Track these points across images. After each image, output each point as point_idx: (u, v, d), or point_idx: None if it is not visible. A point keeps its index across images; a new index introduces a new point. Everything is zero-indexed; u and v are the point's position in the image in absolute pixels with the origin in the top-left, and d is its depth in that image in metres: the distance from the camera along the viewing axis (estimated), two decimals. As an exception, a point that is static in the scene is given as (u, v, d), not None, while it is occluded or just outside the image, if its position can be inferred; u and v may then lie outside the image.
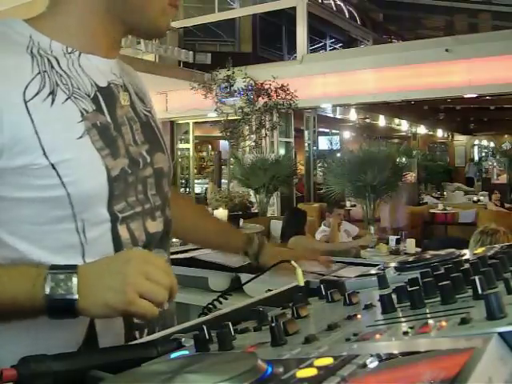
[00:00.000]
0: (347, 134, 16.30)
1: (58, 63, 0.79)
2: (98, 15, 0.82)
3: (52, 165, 0.73)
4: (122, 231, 0.81)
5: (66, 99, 0.77)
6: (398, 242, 4.89)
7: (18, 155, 0.73)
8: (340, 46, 14.66)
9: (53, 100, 0.75)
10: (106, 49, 0.85)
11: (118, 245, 0.80)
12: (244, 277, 1.57)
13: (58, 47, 0.80)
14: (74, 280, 0.67)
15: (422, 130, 17.10)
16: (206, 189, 11.54)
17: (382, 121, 14.57)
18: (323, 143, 14.90)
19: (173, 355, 0.61)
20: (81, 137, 0.76)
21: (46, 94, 0.75)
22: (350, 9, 14.22)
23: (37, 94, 0.74)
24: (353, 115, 13.10)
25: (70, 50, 0.81)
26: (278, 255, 1.06)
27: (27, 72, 0.75)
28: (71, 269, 0.68)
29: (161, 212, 0.89)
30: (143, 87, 1.00)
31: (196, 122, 11.71)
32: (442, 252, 0.90)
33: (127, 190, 0.81)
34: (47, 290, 0.66)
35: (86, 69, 0.82)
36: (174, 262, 1.91)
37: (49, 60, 0.78)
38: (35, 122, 0.73)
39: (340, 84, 9.34)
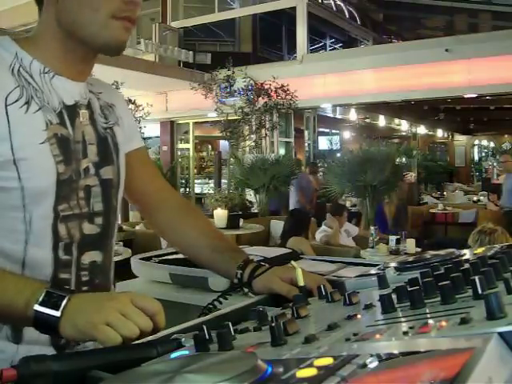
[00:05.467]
0: (347, 134, 16.30)
1: (35, 80, 0.92)
2: (55, 33, 0.92)
3: (15, 160, 0.86)
4: (61, 228, 0.92)
5: (37, 110, 0.90)
6: (398, 241, 4.89)
7: None
8: (340, 46, 14.66)
9: (27, 109, 0.89)
10: (75, 73, 0.96)
11: (56, 238, 0.91)
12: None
13: (37, 67, 0.93)
14: (64, 301, 0.74)
15: (422, 130, 17.09)
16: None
17: (382, 121, 14.57)
18: (323, 143, 14.92)
19: (173, 355, 0.61)
20: (42, 142, 0.89)
21: (22, 102, 0.88)
22: (350, 9, 14.22)
23: (16, 101, 0.88)
24: (353, 115, 13.10)
25: (46, 70, 0.93)
26: (269, 285, 1.02)
27: (10, 83, 0.88)
28: (67, 292, 0.76)
29: (103, 217, 0.99)
30: (114, 100, 1.09)
31: (196, 122, 11.71)
32: (442, 252, 0.90)
33: (70, 194, 0.93)
34: (38, 302, 0.74)
35: (56, 88, 0.94)
36: (174, 262, 1.91)
37: (25, 78, 0.91)
38: (10, 123, 0.86)
39: (340, 84, 9.34)
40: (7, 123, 0.85)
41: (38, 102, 0.90)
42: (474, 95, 8.94)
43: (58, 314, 0.73)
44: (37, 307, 0.73)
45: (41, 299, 0.74)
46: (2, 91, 0.86)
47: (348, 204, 8.40)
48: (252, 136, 9.06)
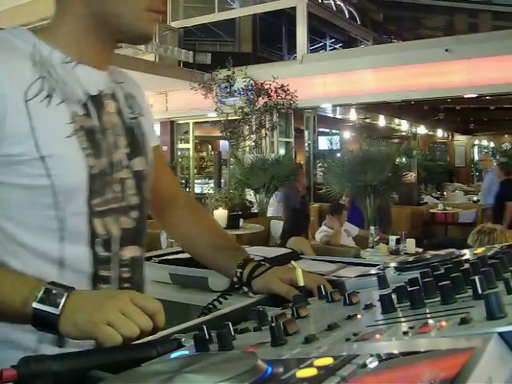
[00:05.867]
0: (347, 134, 16.29)
1: (56, 71, 0.88)
2: (80, 21, 0.91)
3: (41, 157, 0.82)
4: (98, 224, 0.89)
5: (60, 102, 0.86)
6: (398, 241, 4.89)
7: (12, 145, 0.81)
8: (340, 46, 14.66)
9: (49, 102, 0.85)
10: (98, 61, 0.94)
11: (93, 235, 0.89)
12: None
13: (58, 57, 0.89)
14: (63, 298, 0.73)
15: (422, 130, 17.08)
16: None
17: (382, 121, 14.56)
18: (323, 143, 14.91)
19: (173, 355, 0.61)
20: (69, 136, 0.85)
21: (43, 96, 0.85)
22: (350, 9, 14.22)
23: (36, 95, 0.84)
24: (353, 115, 13.09)
25: (68, 59, 0.90)
26: (269, 284, 1.01)
27: (29, 76, 0.84)
28: (66, 289, 0.75)
29: (138, 211, 0.96)
30: (134, 91, 1.07)
31: (196, 122, 11.71)
32: (442, 252, 0.90)
33: (104, 188, 0.90)
34: (37, 300, 0.73)
35: (80, 78, 0.91)
36: (174, 262, 1.91)
37: (48, 68, 0.87)
38: (32, 119, 0.82)
39: (340, 84, 9.34)
40: (28, 119, 0.82)
41: (61, 93, 0.87)
42: (474, 95, 8.93)
43: (57, 311, 0.72)
44: (35, 305, 0.72)
45: (39, 297, 0.73)
46: (21, 85, 0.83)
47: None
48: (252, 136, 9.06)
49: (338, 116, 13.42)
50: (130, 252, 0.94)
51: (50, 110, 0.84)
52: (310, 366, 0.42)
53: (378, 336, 0.49)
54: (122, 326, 0.70)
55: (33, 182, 0.83)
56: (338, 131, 16.12)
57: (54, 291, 0.73)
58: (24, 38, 0.88)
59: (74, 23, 0.91)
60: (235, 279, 1.07)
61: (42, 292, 0.73)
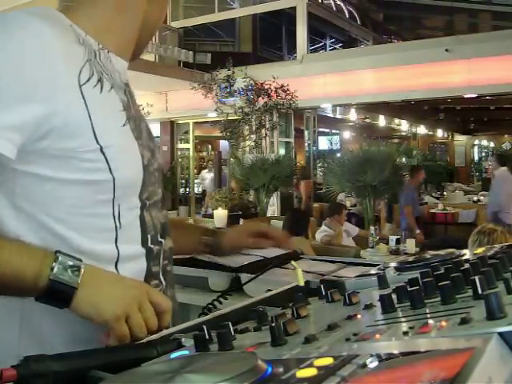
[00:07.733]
0: (347, 134, 16.30)
1: (99, 55, 0.82)
2: (138, 23, 0.89)
3: (101, 148, 0.75)
4: (147, 218, 0.85)
5: (111, 88, 0.80)
6: (398, 242, 4.90)
7: (66, 137, 0.73)
8: (340, 46, 14.66)
9: (101, 87, 0.78)
10: (125, 51, 0.90)
11: (144, 231, 0.84)
12: (244, 277, 1.57)
13: (93, 42, 0.83)
14: (81, 271, 0.68)
15: (422, 130, 17.08)
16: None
17: (382, 121, 14.56)
18: (323, 143, 14.92)
19: (173, 355, 0.60)
20: (124, 125, 0.80)
21: (95, 80, 0.78)
22: (350, 9, 14.22)
23: (88, 79, 0.76)
24: (353, 115, 13.09)
25: (101, 46, 0.84)
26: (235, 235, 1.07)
27: (80, 58, 0.77)
28: (79, 260, 0.70)
29: (162, 204, 0.93)
30: None
31: (196, 122, 11.70)
32: (442, 252, 0.90)
33: (150, 180, 0.86)
34: (54, 270, 0.67)
35: (115, 66, 0.86)
36: (174, 262, 1.91)
37: (92, 51, 0.81)
38: (88, 106, 0.75)
39: (340, 84, 9.34)
40: (85, 106, 0.74)
41: (108, 79, 0.80)
42: (474, 95, 8.93)
43: (75, 284, 0.67)
44: (53, 277, 0.67)
45: (56, 268, 0.67)
46: (74, 70, 0.75)
47: (348, 204, 8.40)
48: (252, 136, 9.06)
49: (338, 116, 13.41)
50: (168, 244, 0.92)
51: (103, 97, 0.78)
52: (310, 366, 0.42)
53: (378, 336, 0.49)
54: (137, 326, 0.69)
55: (90, 176, 0.76)
56: (338, 131, 16.12)
57: (69, 262, 0.68)
58: (61, 19, 0.80)
59: (122, 15, 0.86)
60: (201, 247, 1.10)
61: (57, 263, 0.68)
